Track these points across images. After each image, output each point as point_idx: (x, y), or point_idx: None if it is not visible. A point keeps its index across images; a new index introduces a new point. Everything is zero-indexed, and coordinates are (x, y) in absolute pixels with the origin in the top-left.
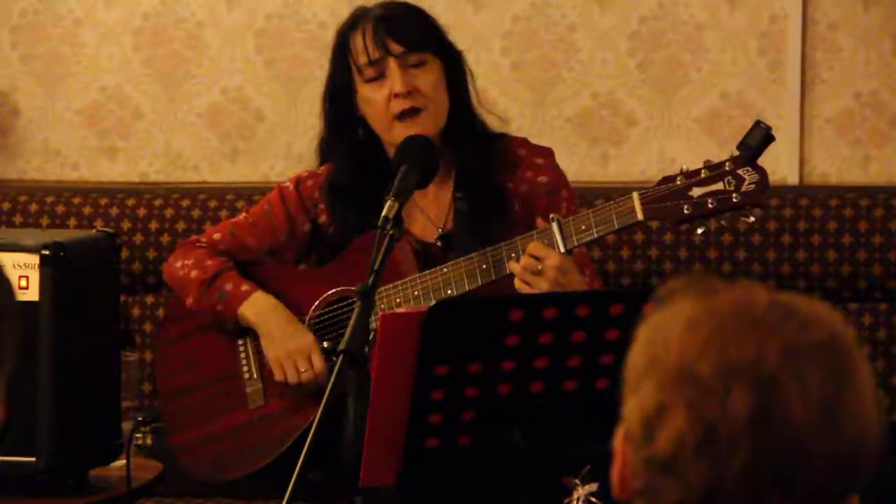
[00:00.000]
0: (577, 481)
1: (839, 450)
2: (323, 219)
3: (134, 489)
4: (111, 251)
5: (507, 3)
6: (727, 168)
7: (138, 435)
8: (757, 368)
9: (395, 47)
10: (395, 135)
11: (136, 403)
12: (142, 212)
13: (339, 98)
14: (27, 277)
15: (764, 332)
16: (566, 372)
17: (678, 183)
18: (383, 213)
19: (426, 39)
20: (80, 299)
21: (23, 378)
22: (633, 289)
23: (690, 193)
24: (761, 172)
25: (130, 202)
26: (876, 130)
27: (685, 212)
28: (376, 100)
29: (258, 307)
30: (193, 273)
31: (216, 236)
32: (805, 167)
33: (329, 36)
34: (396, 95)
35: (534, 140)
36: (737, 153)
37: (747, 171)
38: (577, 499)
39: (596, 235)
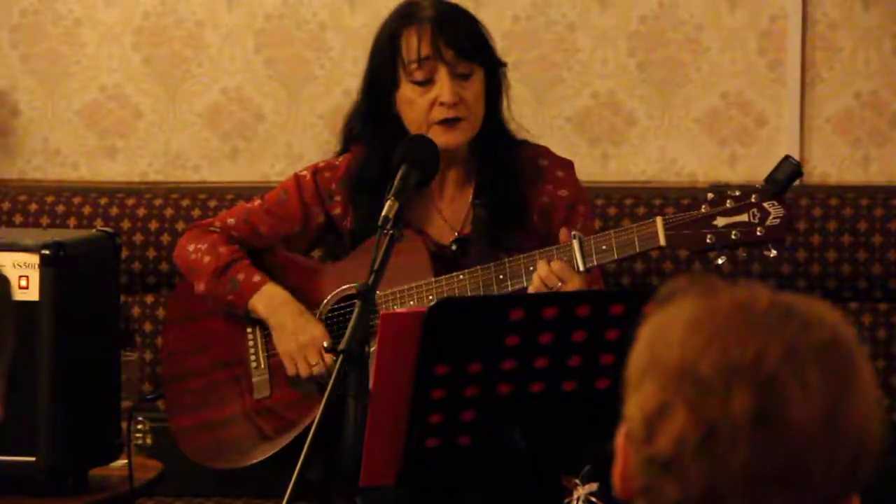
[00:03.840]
0: (577, 481)
1: (840, 450)
2: (337, 211)
3: (134, 488)
4: (111, 251)
5: (507, 3)
6: (753, 200)
7: (138, 434)
8: (758, 368)
9: (448, 54)
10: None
11: (137, 399)
12: (142, 212)
13: (379, 91)
14: (27, 277)
15: (765, 333)
16: (566, 372)
17: (703, 211)
18: (383, 213)
19: (477, 50)
20: (80, 299)
21: (23, 377)
22: (633, 288)
23: (714, 223)
24: (787, 208)
25: (130, 202)
26: (876, 130)
27: (707, 241)
28: (419, 103)
29: (269, 299)
30: (206, 259)
31: (230, 221)
32: (805, 167)
33: (329, 36)
34: (442, 104)
35: (534, 140)
36: (764, 186)
37: (773, 205)
38: (577, 499)
39: (616, 257)
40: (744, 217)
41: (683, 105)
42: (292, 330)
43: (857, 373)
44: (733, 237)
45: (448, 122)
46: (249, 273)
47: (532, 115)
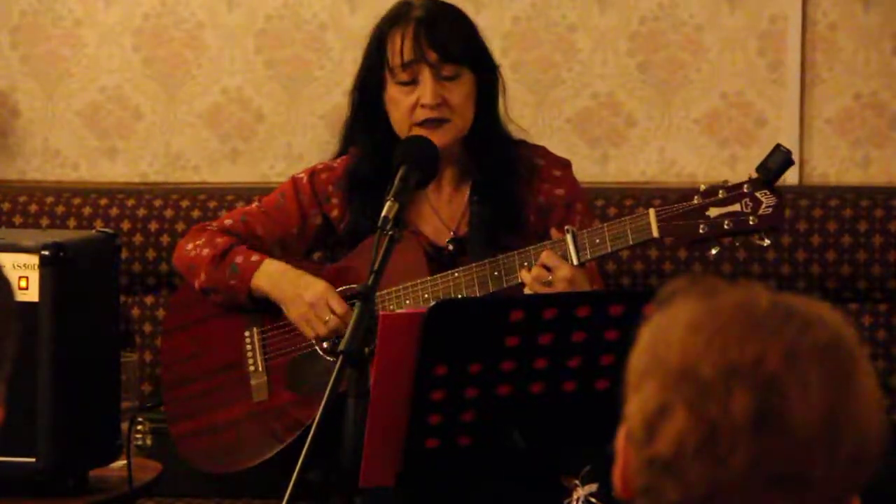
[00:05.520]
0: (576, 481)
1: (840, 451)
2: (335, 213)
3: (134, 489)
4: (111, 251)
5: (507, 3)
6: (745, 190)
7: (138, 435)
8: (758, 369)
9: (432, 55)
10: None
11: (136, 404)
12: (142, 212)
13: (369, 91)
14: (27, 278)
15: (765, 334)
16: (566, 372)
17: (695, 202)
18: (383, 214)
19: (463, 52)
20: (80, 299)
21: (23, 378)
22: (632, 289)
23: (707, 213)
24: (779, 197)
25: (130, 202)
26: (876, 130)
27: (700, 231)
28: (403, 104)
29: (269, 275)
30: (205, 251)
31: (227, 222)
32: (805, 167)
33: (329, 36)
34: (424, 105)
35: (533, 141)
36: (755, 175)
37: (765, 194)
38: (577, 499)
39: (610, 250)
40: (736, 207)
41: (683, 106)
42: (296, 294)
43: (857, 374)
44: (726, 227)
45: (430, 124)
46: (247, 255)
47: (532, 116)
